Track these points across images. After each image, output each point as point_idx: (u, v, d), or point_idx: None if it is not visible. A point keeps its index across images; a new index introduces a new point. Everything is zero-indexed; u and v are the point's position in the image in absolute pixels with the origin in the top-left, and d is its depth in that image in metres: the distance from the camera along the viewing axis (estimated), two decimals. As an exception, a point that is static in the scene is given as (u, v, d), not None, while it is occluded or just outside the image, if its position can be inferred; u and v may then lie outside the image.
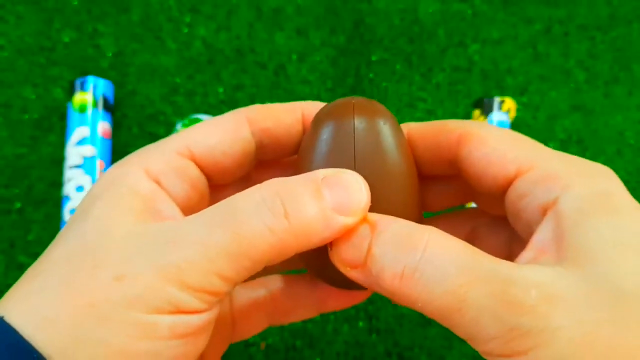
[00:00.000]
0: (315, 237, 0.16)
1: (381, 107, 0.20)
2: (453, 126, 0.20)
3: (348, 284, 0.19)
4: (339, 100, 0.20)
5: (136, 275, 0.15)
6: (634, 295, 0.15)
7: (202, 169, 0.19)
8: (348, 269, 0.17)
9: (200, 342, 0.17)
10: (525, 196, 0.18)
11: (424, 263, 0.16)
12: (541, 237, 0.18)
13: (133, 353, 0.15)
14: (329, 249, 0.18)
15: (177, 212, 0.18)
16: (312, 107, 0.21)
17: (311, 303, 0.24)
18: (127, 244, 0.16)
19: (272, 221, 0.16)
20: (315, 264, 0.20)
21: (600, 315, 0.15)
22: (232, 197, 0.16)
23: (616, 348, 0.15)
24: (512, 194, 0.19)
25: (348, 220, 0.17)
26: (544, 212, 0.18)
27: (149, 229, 0.16)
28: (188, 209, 0.19)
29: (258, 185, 0.17)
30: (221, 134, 0.19)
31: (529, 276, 0.16)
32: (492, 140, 0.19)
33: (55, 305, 0.15)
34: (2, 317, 0.15)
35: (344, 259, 0.17)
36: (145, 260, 0.15)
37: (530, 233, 0.18)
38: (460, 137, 0.20)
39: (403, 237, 0.16)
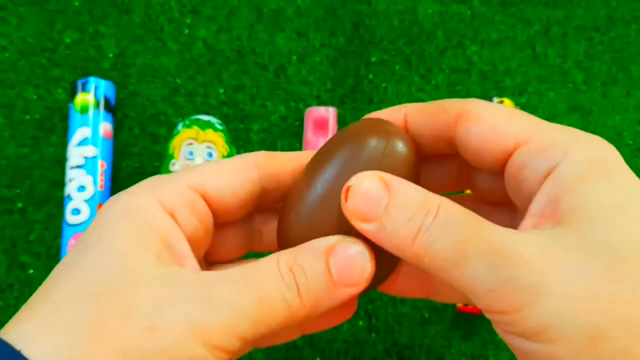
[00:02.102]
0: (322, 308, 0.18)
1: (393, 128, 0.21)
2: (451, 105, 0.21)
3: None
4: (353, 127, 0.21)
5: (168, 328, 0.16)
6: (629, 253, 0.16)
7: (210, 206, 0.20)
8: (360, 222, 0.18)
9: None
10: (525, 167, 0.19)
11: (435, 224, 0.17)
12: (539, 203, 0.18)
13: None
14: (343, 201, 0.18)
15: (189, 250, 0.19)
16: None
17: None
18: (157, 291, 0.17)
19: (288, 294, 0.17)
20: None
21: (596, 271, 0.16)
22: (256, 264, 0.18)
23: (611, 302, 0.15)
24: (511, 166, 0.19)
25: (352, 291, 0.18)
26: (544, 179, 0.18)
27: (175, 275, 0.17)
28: (194, 243, 0.20)
29: (275, 256, 0.18)
30: (232, 175, 0.20)
31: (527, 236, 0.17)
32: (489, 116, 0.20)
33: (83, 348, 0.15)
34: (20, 352, 0.15)
35: (360, 212, 0.18)
36: (178, 314, 0.16)
37: (529, 203, 0.19)
38: (458, 115, 0.20)
39: (419, 201, 0.18)
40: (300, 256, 0.18)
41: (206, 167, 0.20)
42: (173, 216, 0.19)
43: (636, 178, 0.18)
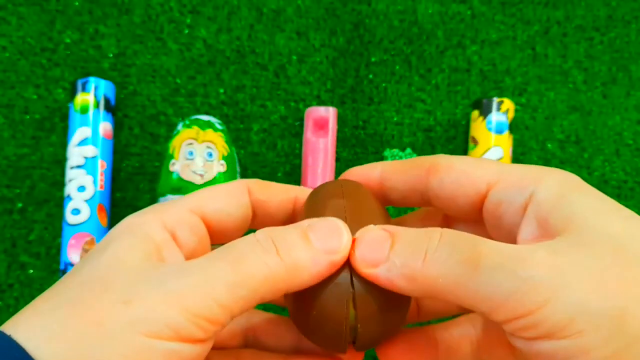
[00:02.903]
0: (305, 272, 0.18)
1: (361, 186, 0.23)
2: (421, 161, 0.22)
3: (327, 343, 0.20)
4: (329, 183, 0.23)
5: (143, 299, 0.17)
6: (628, 241, 0.17)
7: (208, 227, 0.22)
8: (369, 268, 0.19)
9: None
10: (502, 203, 0.20)
11: (442, 244, 0.18)
12: (529, 228, 0.19)
13: None
14: (351, 254, 0.19)
15: (183, 260, 0.20)
16: (305, 192, 0.24)
17: (287, 346, 0.25)
18: (135, 273, 0.17)
19: (266, 256, 0.18)
20: (300, 318, 0.20)
21: (605, 260, 0.17)
22: (232, 242, 0.19)
23: (627, 284, 0.16)
24: (488, 205, 0.21)
25: (334, 258, 0.19)
26: (524, 210, 0.19)
27: (156, 264, 0.18)
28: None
29: (252, 233, 0.19)
30: (228, 198, 0.22)
31: (532, 246, 0.18)
32: (459, 165, 0.21)
33: (62, 322, 0.16)
34: (10, 336, 0.16)
35: (368, 258, 0.19)
36: (151, 287, 0.17)
37: (515, 235, 0.20)
38: (430, 168, 0.22)
39: (422, 233, 0.19)
40: (281, 228, 0.19)
41: (204, 192, 0.22)
42: (174, 235, 0.20)
43: (598, 191, 0.19)
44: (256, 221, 0.23)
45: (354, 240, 0.19)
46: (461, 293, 0.17)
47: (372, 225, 0.20)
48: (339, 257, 0.19)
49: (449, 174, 0.21)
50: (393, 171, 0.23)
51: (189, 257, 0.20)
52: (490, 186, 0.20)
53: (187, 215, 0.21)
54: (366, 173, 0.23)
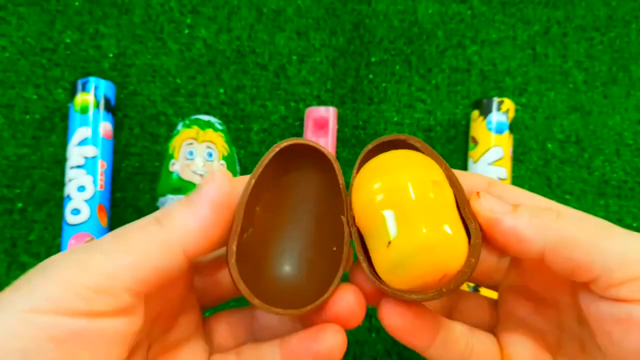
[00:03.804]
0: (190, 232, 0.21)
1: None
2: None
3: (283, 302, 0.22)
4: None
5: (30, 277, 0.18)
6: None
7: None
8: (494, 214, 0.21)
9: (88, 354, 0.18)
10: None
11: (574, 212, 0.21)
12: None
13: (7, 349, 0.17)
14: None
15: None
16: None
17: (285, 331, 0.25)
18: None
19: (150, 226, 0.20)
20: (252, 282, 0.22)
21: None
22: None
23: None
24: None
25: (209, 206, 0.21)
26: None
27: None
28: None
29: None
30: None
31: None
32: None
33: None
34: None
35: (495, 208, 0.22)
36: (40, 268, 0.19)
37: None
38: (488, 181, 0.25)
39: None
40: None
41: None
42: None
43: None
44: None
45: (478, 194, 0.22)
46: (591, 250, 0.20)
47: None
48: (218, 205, 0.21)
49: (501, 187, 0.24)
50: (460, 175, 0.25)
51: None
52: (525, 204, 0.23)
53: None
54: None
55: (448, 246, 0.20)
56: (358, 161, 0.24)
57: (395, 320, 0.23)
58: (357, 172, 0.23)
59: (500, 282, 0.26)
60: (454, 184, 0.23)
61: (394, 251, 0.20)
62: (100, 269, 0.18)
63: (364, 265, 0.22)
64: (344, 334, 0.23)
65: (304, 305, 0.22)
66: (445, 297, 0.25)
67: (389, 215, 0.21)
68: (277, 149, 0.23)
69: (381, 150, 0.23)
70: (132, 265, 0.19)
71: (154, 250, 0.19)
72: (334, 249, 0.24)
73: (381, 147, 0.24)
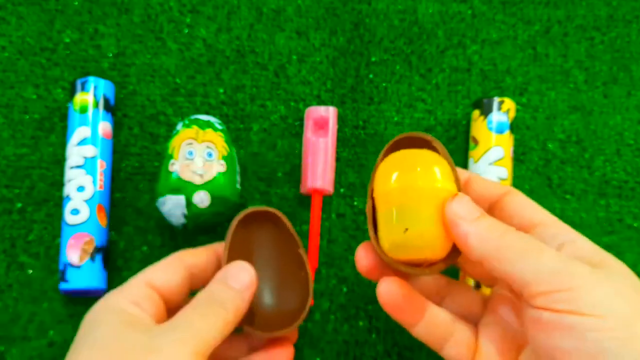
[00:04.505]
0: (242, 307, 0.28)
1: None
2: (505, 185, 0.30)
3: (271, 328, 0.31)
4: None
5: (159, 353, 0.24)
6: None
7: (160, 295, 0.29)
8: (457, 218, 0.25)
9: None
10: (545, 238, 0.27)
11: (518, 233, 0.25)
12: None
13: None
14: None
15: (145, 322, 0.27)
16: (218, 247, 0.33)
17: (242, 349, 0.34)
18: (135, 340, 0.25)
19: (220, 311, 0.27)
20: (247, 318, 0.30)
21: (628, 287, 0.24)
22: (196, 302, 0.28)
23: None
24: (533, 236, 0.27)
25: (251, 289, 0.29)
26: (559, 249, 0.26)
27: (144, 330, 0.26)
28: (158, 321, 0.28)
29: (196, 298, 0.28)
30: (167, 269, 0.30)
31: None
32: (529, 200, 0.29)
33: None
34: None
35: (460, 212, 0.25)
36: (166, 340, 0.25)
37: None
38: (509, 190, 0.29)
39: (499, 223, 0.26)
40: (213, 290, 0.29)
41: (150, 267, 0.30)
42: (137, 304, 0.27)
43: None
44: (194, 281, 0.31)
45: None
46: (517, 266, 0.24)
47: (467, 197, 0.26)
48: (253, 287, 0.29)
49: (520, 201, 0.28)
50: (481, 180, 0.29)
51: (155, 320, 0.27)
52: (541, 223, 0.27)
53: (143, 288, 0.28)
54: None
55: (435, 243, 0.26)
56: (387, 147, 0.29)
57: (391, 295, 0.28)
58: (384, 157, 0.28)
59: (494, 282, 0.31)
60: (460, 188, 0.28)
61: (409, 236, 0.26)
62: (210, 345, 0.26)
63: (374, 239, 0.27)
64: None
65: (284, 327, 0.31)
66: (438, 282, 0.31)
67: (410, 207, 0.26)
68: (236, 221, 0.32)
69: (408, 143, 0.28)
70: (221, 339, 0.27)
71: (228, 329, 0.28)
72: (302, 273, 0.33)
73: (407, 141, 0.29)
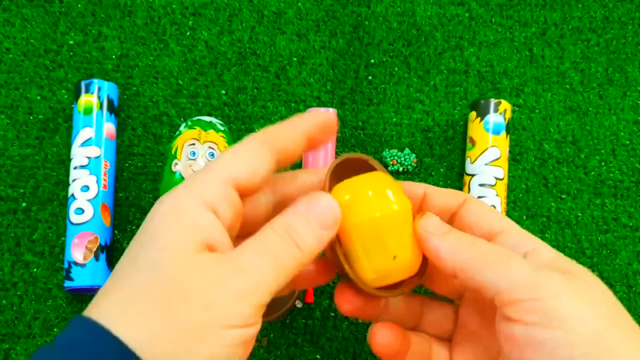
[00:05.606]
0: (316, 251, 0.24)
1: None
2: (462, 193, 0.29)
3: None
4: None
5: (221, 302, 0.21)
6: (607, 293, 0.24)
7: (239, 192, 0.24)
8: (426, 234, 0.25)
9: (249, 349, 0.23)
10: (507, 247, 0.26)
11: (486, 244, 0.25)
12: None
13: (215, 358, 0.21)
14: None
15: (226, 237, 0.23)
16: (310, 121, 0.27)
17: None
18: (204, 275, 0.21)
19: (293, 251, 0.23)
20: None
21: (595, 295, 0.23)
22: (263, 234, 0.23)
23: (610, 317, 0.23)
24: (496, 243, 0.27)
25: (331, 232, 0.24)
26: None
27: (213, 262, 0.22)
28: (231, 228, 0.24)
29: (274, 224, 0.24)
30: (253, 160, 0.24)
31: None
32: (487, 207, 0.29)
33: (159, 327, 0.20)
34: (109, 330, 0.20)
35: (429, 228, 0.26)
36: (225, 289, 0.21)
37: None
38: (467, 198, 0.28)
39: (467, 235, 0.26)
40: (291, 219, 0.24)
41: (230, 157, 0.24)
42: (215, 211, 0.23)
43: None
44: (278, 165, 0.26)
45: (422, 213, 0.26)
46: (489, 275, 0.24)
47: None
48: (333, 230, 0.24)
49: (476, 210, 0.27)
50: (436, 192, 0.29)
51: (229, 228, 0.24)
52: (502, 231, 0.27)
53: (222, 189, 0.23)
54: (411, 187, 0.28)
55: (414, 262, 0.26)
56: (329, 173, 0.27)
57: (389, 345, 0.28)
58: (331, 188, 0.26)
59: (462, 296, 0.31)
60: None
61: (398, 262, 0.26)
62: (270, 290, 0.23)
63: (352, 273, 0.26)
64: None
65: None
66: (413, 306, 0.31)
67: (391, 234, 0.26)
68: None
69: (347, 167, 0.27)
70: (285, 283, 0.23)
71: (296, 271, 0.24)
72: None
73: (346, 165, 0.27)
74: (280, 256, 0.23)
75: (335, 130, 0.27)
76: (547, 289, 0.22)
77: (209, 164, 0.25)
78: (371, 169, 0.28)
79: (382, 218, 0.25)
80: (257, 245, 0.23)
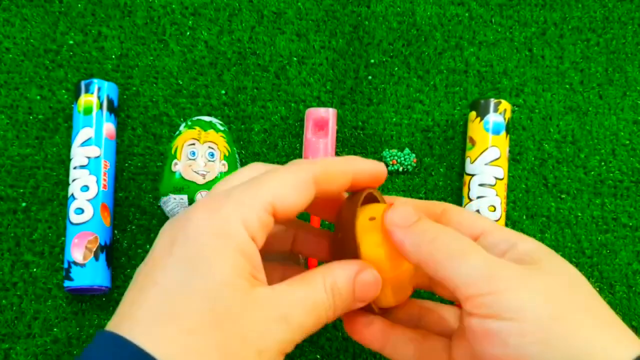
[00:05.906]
0: (341, 315, 0.26)
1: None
2: (440, 203, 0.30)
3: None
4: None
5: (268, 353, 0.22)
6: (574, 282, 0.25)
7: (276, 219, 0.24)
8: (394, 227, 0.25)
9: None
10: (487, 246, 0.27)
11: (448, 235, 0.25)
12: None
13: None
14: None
15: (261, 266, 0.24)
16: (362, 167, 0.27)
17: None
18: (259, 321, 0.22)
19: (330, 313, 0.24)
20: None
21: (554, 286, 0.24)
22: (314, 288, 0.24)
23: (569, 303, 0.23)
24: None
25: (362, 305, 0.26)
26: (502, 255, 0.26)
27: (262, 298, 0.23)
28: (262, 253, 0.24)
29: (322, 276, 0.24)
30: (297, 192, 0.24)
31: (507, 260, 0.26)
32: (466, 212, 0.29)
33: (200, 349, 0.21)
34: (150, 354, 0.20)
35: (396, 221, 0.25)
36: (273, 339, 0.22)
37: None
38: (446, 208, 0.29)
39: (436, 225, 0.26)
40: (339, 280, 0.25)
41: (276, 184, 0.24)
42: (253, 238, 0.23)
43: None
44: (314, 202, 0.26)
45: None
46: (448, 270, 0.24)
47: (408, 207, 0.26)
48: (365, 304, 0.26)
49: (457, 217, 0.28)
50: (416, 206, 0.29)
51: (260, 252, 0.24)
52: (482, 232, 0.27)
53: (263, 216, 0.23)
54: (398, 202, 0.29)
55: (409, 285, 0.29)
56: (353, 208, 0.27)
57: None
58: (354, 220, 0.26)
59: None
60: None
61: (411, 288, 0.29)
62: (298, 340, 0.24)
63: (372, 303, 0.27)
64: None
65: None
66: (413, 310, 0.31)
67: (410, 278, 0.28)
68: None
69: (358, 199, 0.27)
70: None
71: (319, 327, 0.25)
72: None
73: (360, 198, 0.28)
74: (321, 316, 0.24)
75: (382, 181, 0.28)
76: (501, 282, 0.23)
77: (254, 181, 0.24)
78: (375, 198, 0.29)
79: (404, 272, 0.27)
80: (307, 300, 0.24)
